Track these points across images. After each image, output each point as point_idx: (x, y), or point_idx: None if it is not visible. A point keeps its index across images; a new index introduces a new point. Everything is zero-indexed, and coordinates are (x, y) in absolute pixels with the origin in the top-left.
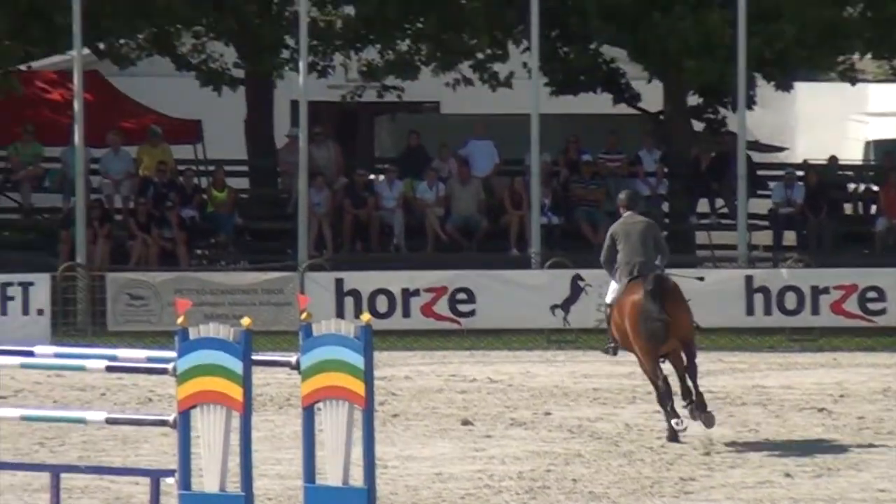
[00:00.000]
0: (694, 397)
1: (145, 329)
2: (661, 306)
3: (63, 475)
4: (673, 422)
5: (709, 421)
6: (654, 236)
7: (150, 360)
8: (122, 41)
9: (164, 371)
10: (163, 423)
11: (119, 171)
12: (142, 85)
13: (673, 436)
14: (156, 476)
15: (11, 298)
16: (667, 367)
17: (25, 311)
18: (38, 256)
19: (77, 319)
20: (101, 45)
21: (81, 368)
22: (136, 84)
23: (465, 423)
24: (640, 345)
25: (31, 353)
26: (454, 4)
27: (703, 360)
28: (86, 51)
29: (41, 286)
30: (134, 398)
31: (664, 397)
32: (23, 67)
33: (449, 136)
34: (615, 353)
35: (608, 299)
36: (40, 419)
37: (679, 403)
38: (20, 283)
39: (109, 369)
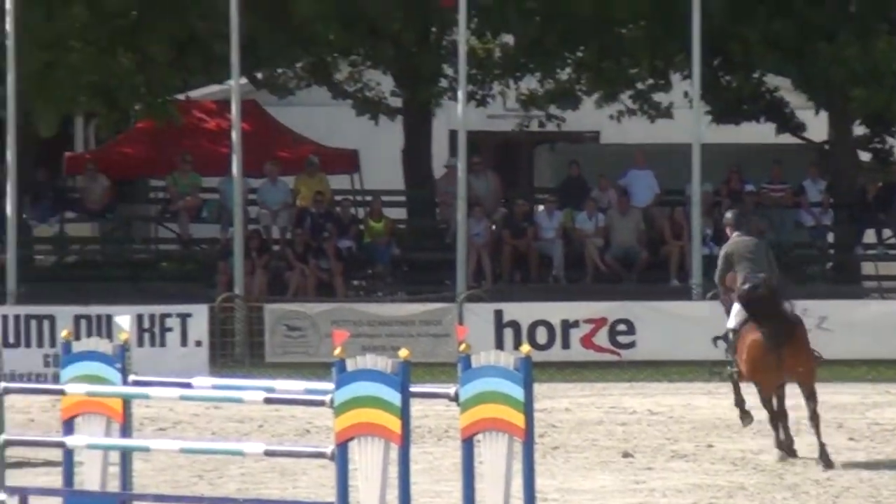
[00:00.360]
0: (818, 448)
1: (303, 360)
2: (779, 344)
3: None
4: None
5: (827, 465)
6: (768, 255)
7: (307, 391)
8: (279, 71)
9: (321, 403)
10: (321, 454)
11: (276, 201)
12: (299, 115)
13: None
14: None
15: (170, 330)
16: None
17: (184, 343)
18: (197, 287)
19: (235, 351)
20: (259, 75)
21: (239, 400)
22: (293, 114)
23: (626, 455)
24: (755, 380)
25: (189, 385)
26: (614, 33)
27: (870, 391)
28: (243, 80)
29: (199, 317)
30: (292, 430)
31: (773, 421)
32: (181, 97)
33: (609, 166)
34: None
35: (731, 324)
36: (199, 451)
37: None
38: (179, 315)
39: (267, 401)
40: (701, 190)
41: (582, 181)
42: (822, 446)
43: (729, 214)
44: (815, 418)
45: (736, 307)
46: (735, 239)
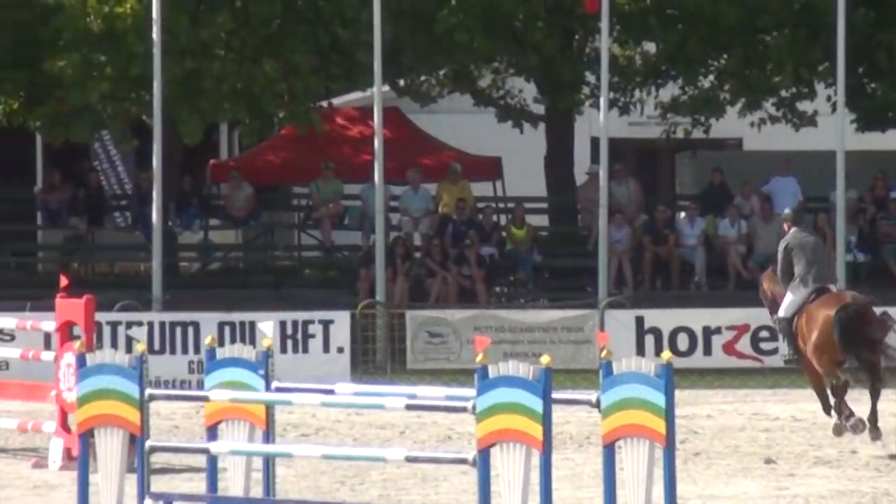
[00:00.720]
0: (869, 414)
1: (444, 367)
2: (856, 321)
3: None
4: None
5: (875, 435)
6: (825, 251)
7: (448, 398)
8: (422, 78)
9: (463, 409)
10: (462, 461)
11: (418, 208)
12: (441, 122)
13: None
14: None
15: (312, 336)
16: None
17: (326, 349)
18: (339, 294)
19: (376, 357)
20: (402, 82)
21: (381, 407)
22: (435, 121)
23: (769, 461)
24: (828, 355)
25: (331, 392)
26: (758, 41)
27: None
28: (386, 88)
29: (341, 324)
30: (433, 436)
31: (838, 392)
32: (324, 104)
33: (751, 173)
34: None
35: (784, 313)
36: (341, 457)
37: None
38: (321, 321)
39: (409, 407)
40: (845, 196)
41: (724, 188)
42: (874, 411)
43: (788, 211)
44: (876, 391)
45: (791, 297)
46: (794, 234)
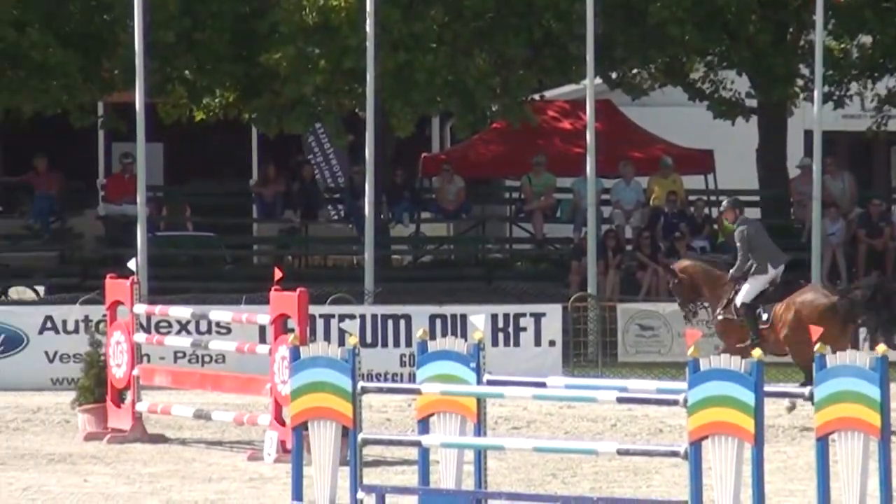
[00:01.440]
0: None
1: (655, 360)
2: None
3: None
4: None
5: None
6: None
7: (660, 391)
8: (634, 71)
9: (674, 402)
10: (674, 454)
11: (630, 201)
12: (652, 115)
13: None
14: None
15: (524, 329)
16: None
17: (537, 342)
18: (551, 287)
19: (588, 350)
20: (614, 75)
21: (592, 400)
22: (646, 114)
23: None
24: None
25: (543, 385)
26: None
27: None
28: (598, 80)
29: (553, 317)
30: (644, 429)
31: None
32: (536, 97)
33: None
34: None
35: (746, 299)
36: (552, 450)
37: None
38: (532, 314)
39: (620, 400)
40: None
41: None
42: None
43: (728, 202)
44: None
45: (751, 284)
46: (746, 221)
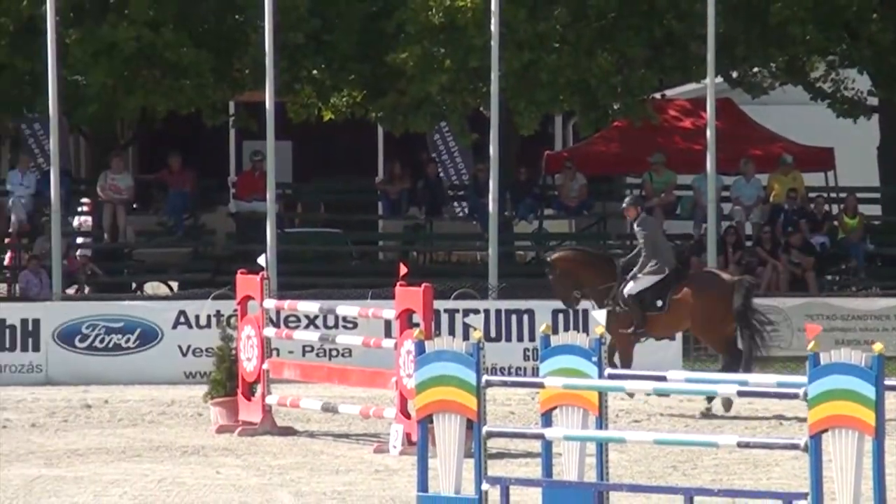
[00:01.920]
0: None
1: (776, 354)
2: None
3: (696, 498)
4: None
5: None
6: None
7: (780, 384)
8: (754, 70)
9: (794, 396)
10: (794, 446)
11: (750, 197)
12: (772, 113)
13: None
14: (788, 499)
15: None
16: None
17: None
18: None
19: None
20: (734, 74)
21: (713, 393)
22: (766, 112)
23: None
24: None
25: (663, 378)
26: None
27: None
28: (719, 79)
29: None
30: (764, 422)
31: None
32: (657, 96)
33: None
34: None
35: (634, 290)
36: (673, 443)
37: None
38: None
39: (741, 394)
40: None
41: None
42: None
43: (631, 199)
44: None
45: (647, 277)
46: (648, 218)
